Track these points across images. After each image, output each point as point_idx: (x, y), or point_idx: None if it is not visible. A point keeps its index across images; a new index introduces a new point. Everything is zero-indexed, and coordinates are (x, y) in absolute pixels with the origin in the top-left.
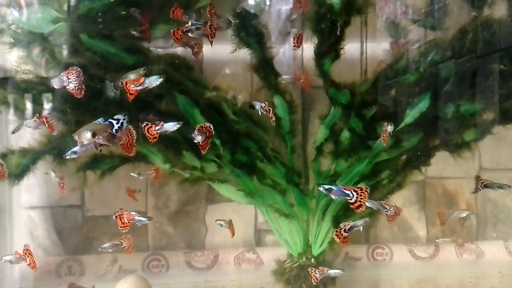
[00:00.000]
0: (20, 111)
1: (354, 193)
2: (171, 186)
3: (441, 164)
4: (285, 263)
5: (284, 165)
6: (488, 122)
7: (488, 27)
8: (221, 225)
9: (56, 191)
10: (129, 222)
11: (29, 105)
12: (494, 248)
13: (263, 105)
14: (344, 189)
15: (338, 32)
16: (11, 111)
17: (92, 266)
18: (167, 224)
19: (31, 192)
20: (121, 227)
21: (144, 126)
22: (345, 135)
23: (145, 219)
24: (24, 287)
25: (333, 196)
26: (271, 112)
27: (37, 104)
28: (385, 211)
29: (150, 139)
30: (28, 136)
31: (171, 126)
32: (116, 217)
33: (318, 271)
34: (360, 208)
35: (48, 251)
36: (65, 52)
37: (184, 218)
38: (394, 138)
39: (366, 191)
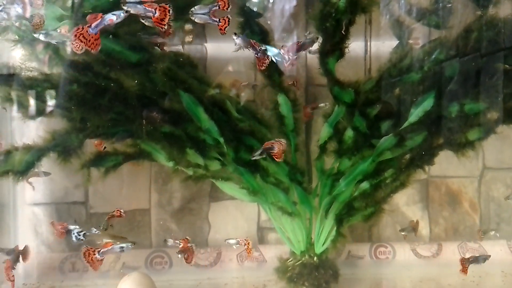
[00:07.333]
0: (24, 108)
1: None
2: (175, 184)
3: (445, 163)
4: (288, 261)
5: (287, 163)
6: (492, 121)
7: (493, 26)
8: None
9: (60, 188)
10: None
11: (32, 102)
12: (497, 248)
13: None
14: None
15: (342, 31)
16: (15, 107)
17: None
18: (170, 221)
19: (35, 188)
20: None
21: None
22: (349, 133)
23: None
24: (28, 283)
25: None
26: None
27: (41, 101)
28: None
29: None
30: (32, 132)
31: None
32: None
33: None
34: None
35: (52, 248)
36: (68, 49)
37: (187, 215)
38: (398, 137)
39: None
